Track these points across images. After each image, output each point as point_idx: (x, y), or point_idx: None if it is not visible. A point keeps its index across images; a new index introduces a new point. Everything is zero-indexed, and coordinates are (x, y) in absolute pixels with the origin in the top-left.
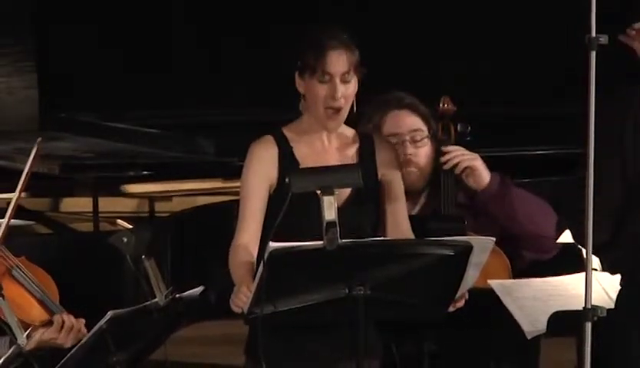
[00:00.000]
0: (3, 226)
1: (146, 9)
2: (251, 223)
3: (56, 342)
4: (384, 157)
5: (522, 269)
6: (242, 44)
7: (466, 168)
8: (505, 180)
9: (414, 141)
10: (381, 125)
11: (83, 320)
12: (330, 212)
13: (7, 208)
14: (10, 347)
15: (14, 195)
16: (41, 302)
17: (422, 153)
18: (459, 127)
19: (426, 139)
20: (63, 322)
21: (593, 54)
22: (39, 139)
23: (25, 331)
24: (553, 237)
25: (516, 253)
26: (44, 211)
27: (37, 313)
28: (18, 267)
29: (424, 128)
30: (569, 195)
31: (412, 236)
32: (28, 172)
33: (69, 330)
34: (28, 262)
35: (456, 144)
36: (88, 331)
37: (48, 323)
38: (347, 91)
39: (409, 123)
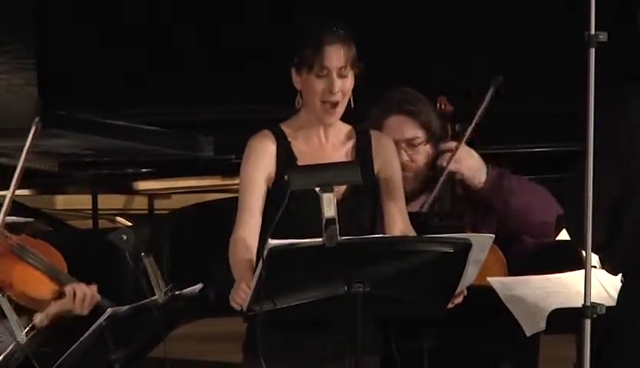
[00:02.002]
0: (4, 207)
1: (146, 8)
2: (250, 217)
3: (72, 312)
4: (382, 152)
5: (521, 254)
6: (242, 42)
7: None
8: (501, 173)
9: (410, 147)
10: (380, 129)
11: (94, 286)
12: (329, 209)
13: (9, 187)
14: (23, 329)
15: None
16: (49, 276)
17: (418, 159)
18: (457, 127)
19: (422, 145)
20: (75, 293)
21: (592, 51)
22: (37, 119)
23: (36, 311)
24: (553, 223)
25: (517, 237)
26: (43, 208)
27: (47, 287)
28: (20, 245)
29: (421, 135)
30: (568, 193)
31: (412, 231)
32: (27, 151)
33: (82, 299)
34: (29, 238)
35: None
36: (87, 329)
37: (61, 295)
38: (344, 86)
39: (405, 131)
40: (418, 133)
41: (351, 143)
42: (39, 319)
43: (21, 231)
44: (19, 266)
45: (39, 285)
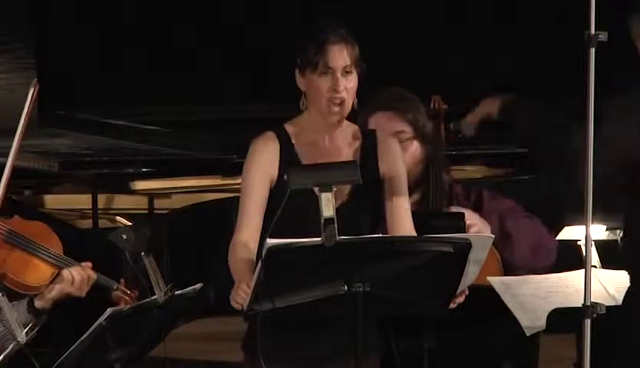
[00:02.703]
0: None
1: (146, 8)
2: (251, 219)
3: (71, 295)
4: (387, 153)
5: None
6: (242, 41)
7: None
8: (493, 195)
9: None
10: (366, 125)
11: (89, 263)
12: (328, 209)
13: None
14: (28, 312)
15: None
16: (44, 260)
17: (405, 155)
18: (452, 126)
19: (409, 142)
20: (73, 278)
21: (592, 51)
22: (35, 80)
23: (36, 296)
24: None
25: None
26: (43, 207)
27: (43, 272)
28: (11, 232)
29: (408, 130)
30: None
31: (414, 233)
32: (27, 113)
33: (81, 283)
34: (21, 221)
35: (447, 142)
36: (87, 329)
37: (58, 276)
38: (348, 84)
39: (391, 125)
40: (405, 128)
41: (356, 144)
42: (40, 305)
43: (10, 216)
44: (12, 254)
45: (34, 271)
